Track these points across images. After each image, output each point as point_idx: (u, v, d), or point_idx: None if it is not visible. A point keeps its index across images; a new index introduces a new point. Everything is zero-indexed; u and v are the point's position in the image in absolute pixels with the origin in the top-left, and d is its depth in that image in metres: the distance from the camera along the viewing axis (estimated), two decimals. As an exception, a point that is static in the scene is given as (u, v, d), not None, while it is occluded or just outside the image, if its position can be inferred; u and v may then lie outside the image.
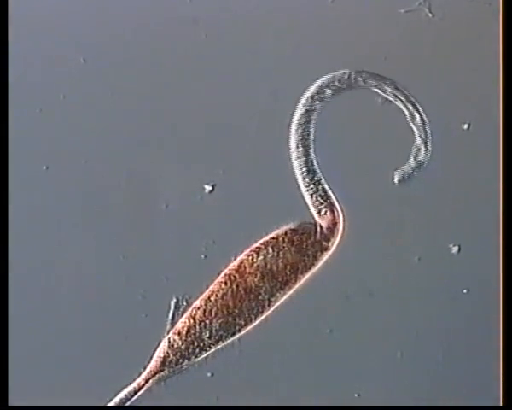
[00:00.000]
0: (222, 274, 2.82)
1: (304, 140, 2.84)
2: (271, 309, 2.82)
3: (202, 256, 2.83)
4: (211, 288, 2.81)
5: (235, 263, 2.82)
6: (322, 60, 2.85)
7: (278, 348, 2.82)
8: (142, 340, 2.80)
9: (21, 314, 2.79)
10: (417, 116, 2.81)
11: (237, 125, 2.85)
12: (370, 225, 2.82)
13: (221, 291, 2.81)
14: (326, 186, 2.84)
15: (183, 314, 2.81)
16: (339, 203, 2.85)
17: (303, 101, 2.84)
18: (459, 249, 2.83)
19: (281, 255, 2.81)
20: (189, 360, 2.81)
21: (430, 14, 2.84)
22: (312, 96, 2.84)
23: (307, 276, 2.83)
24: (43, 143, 2.84)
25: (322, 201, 2.84)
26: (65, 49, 2.84)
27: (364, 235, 2.83)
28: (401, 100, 2.82)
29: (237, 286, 2.80)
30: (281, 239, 2.82)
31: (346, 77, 2.83)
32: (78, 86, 2.83)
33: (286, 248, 2.81)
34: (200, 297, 2.82)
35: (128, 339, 2.80)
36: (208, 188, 2.84)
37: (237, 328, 2.81)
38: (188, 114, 2.83)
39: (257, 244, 2.83)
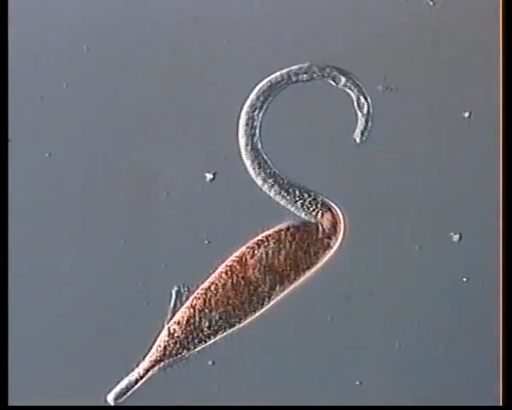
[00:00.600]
0: (223, 265, 2.82)
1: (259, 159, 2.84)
2: (271, 303, 2.82)
3: (206, 242, 2.83)
4: (211, 278, 2.81)
5: (237, 254, 2.82)
6: (322, 50, 2.85)
7: (279, 335, 2.83)
8: (143, 328, 2.80)
9: (21, 305, 2.79)
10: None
11: (238, 112, 2.84)
12: (370, 216, 2.83)
13: (221, 282, 2.81)
14: (309, 193, 2.84)
15: (183, 303, 2.81)
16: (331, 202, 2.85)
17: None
18: (460, 238, 2.83)
19: (282, 251, 2.81)
20: (188, 349, 2.80)
21: (431, 2, 2.84)
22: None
23: (308, 273, 2.83)
24: (44, 131, 2.83)
25: (313, 207, 2.84)
26: (68, 37, 2.84)
27: (365, 227, 2.83)
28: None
29: (237, 278, 2.80)
30: (283, 234, 2.82)
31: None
32: (80, 75, 2.83)
33: (288, 244, 2.81)
34: (201, 287, 2.81)
35: (128, 327, 2.80)
36: (209, 176, 2.84)
37: (237, 319, 2.80)
38: (189, 102, 2.82)
39: (259, 237, 2.83)
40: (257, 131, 2.84)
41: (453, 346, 2.82)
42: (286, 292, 2.82)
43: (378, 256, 2.82)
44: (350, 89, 2.83)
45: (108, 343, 2.81)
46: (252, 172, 2.83)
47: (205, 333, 2.80)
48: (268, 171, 2.83)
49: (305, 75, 2.82)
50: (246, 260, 2.81)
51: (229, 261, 2.82)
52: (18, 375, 2.76)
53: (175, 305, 2.81)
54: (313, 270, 2.83)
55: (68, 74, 2.82)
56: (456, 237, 2.83)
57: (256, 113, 2.83)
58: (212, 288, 2.80)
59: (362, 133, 2.83)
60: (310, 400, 2.80)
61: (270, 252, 2.80)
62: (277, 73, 2.83)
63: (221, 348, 2.82)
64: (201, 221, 2.83)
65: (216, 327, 2.79)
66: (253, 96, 2.83)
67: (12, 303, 2.76)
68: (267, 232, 2.83)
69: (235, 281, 2.80)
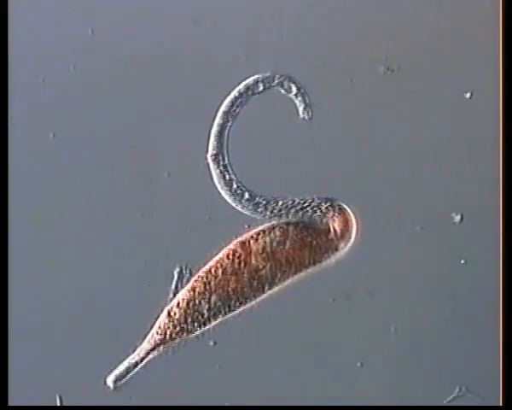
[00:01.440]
0: (225, 248, 2.81)
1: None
2: (272, 290, 2.81)
3: (206, 217, 2.83)
4: (213, 260, 2.81)
5: (241, 239, 2.81)
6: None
7: (280, 318, 2.83)
8: (145, 310, 2.80)
9: (21, 294, 2.79)
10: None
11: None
12: (373, 198, 2.84)
13: (223, 265, 2.81)
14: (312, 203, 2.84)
15: (184, 285, 2.81)
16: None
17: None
18: (461, 218, 2.83)
19: (288, 242, 2.80)
20: (188, 332, 2.80)
21: (432, -16, 2.85)
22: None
23: (311, 269, 2.83)
24: (48, 111, 2.83)
25: (326, 210, 2.84)
26: (73, 20, 2.83)
27: (368, 209, 2.83)
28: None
29: (240, 263, 2.80)
30: (291, 228, 2.82)
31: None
32: (85, 57, 2.82)
33: (294, 238, 2.81)
34: (202, 269, 2.81)
35: (131, 309, 2.80)
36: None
37: (237, 303, 2.80)
38: (191, 83, 2.82)
39: (266, 226, 2.82)
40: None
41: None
42: (286, 283, 2.82)
43: (379, 239, 2.83)
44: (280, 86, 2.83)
45: (109, 326, 2.80)
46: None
47: (205, 316, 2.79)
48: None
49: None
50: (249, 245, 2.81)
51: (231, 245, 2.81)
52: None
53: (176, 286, 2.80)
54: (317, 267, 2.83)
55: (72, 57, 2.82)
56: (457, 218, 2.84)
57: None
58: (213, 271, 2.80)
59: (305, 109, 2.81)
60: (310, 382, 2.81)
61: (274, 241, 2.80)
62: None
63: (222, 329, 2.82)
64: (203, 202, 2.82)
65: (216, 310, 2.79)
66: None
67: (12, 293, 2.76)
68: (274, 222, 2.82)
69: (236, 265, 2.80)
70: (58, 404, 2.78)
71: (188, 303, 2.80)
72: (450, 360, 2.82)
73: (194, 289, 2.80)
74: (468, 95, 2.83)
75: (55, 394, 2.80)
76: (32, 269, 2.80)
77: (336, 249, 2.82)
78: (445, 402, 2.81)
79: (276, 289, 2.81)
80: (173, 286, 2.80)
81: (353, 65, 2.83)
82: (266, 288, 2.81)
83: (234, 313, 2.80)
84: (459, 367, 2.83)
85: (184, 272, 2.81)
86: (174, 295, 2.80)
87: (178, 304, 2.80)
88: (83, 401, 2.78)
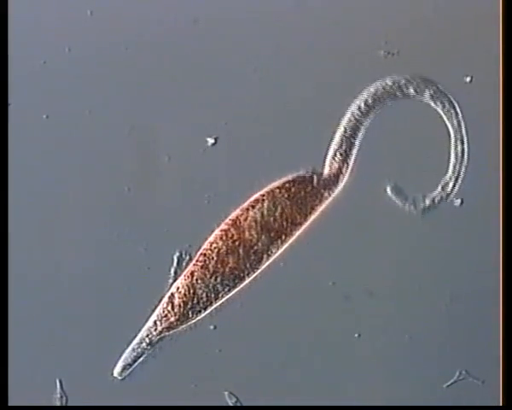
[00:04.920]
0: (218, 229, 2.81)
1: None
2: (270, 261, 2.81)
3: (206, 202, 2.83)
4: (207, 243, 2.80)
5: (232, 217, 2.81)
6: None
7: (280, 297, 2.83)
8: (145, 293, 2.80)
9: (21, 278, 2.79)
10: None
11: (240, 77, 2.85)
12: (373, 175, 2.84)
13: (218, 247, 2.80)
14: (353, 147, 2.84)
15: (183, 270, 2.81)
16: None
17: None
18: (461, 202, 2.83)
19: (278, 208, 2.80)
20: (190, 318, 2.80)
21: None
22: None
23: (305, 226, 2.82)
24: (47, 94, 2.82)
25: (342, 150, 2.83)
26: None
27: (367, 186, 2.83)
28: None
29: (234, 241, 2.79)
30: (277, 191, 2.81)
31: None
32: (83, 39, 2.82)
33: (282, 200, 2.80)
34: (199, 252, 2.80)
35: (131, 293, 2.80)
36: (211, 141, 2.84)
37: (237, 280, 2.80)
38: (191, 66, 2.82)
39: (253, 198, 2.82)
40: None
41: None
42: (284, 248, 2.82)
43: (379, 221, 2.83)
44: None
45: (110, 312, 2.80)
46: None
47: (205, 301, 2.79)
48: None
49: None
50: (240, 222, 2.80)
51: (223, 225, 2.81)
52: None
53: (176, 271, 2.80)
54: (309, 222, 2.82)
55: (71, 38, 2.82)
56: (457, 202, 2.84)
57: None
58: (208, 254, 2.79)
59: None
60: (311, 357, 2.81)
61: (264, 211, 2.79)
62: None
63: (223, 312, 2.82)
64: (203, 186, 2.83)
65: (216, 293, 2.78)
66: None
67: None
68: (260, 192, 2.82)
69: (230, 245, 2.79)
70: (58, 389, 2.77)
71: (188, 289, 2.79)
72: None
73: (192, 275, 2.80)
74: (468, 79, 2.83)
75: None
76: (31, 258, 2.80)
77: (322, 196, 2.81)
78: (445, 386, 2.80)
79: (274, 256, 2.81)
80: (173, 270, 2.80)
81: (353, 50, 2.83)
82: (264, 259, 2.80)
83: (236, 290, 2.80)
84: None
85: (184, 256, 2.80)
86: (174, 280, 2.80)
87: (178, 290, 2.80)
88: (84, 396, 2.79)
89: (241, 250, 2.79)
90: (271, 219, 2.79)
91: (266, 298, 2.81)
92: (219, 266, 2.79)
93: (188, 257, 2.80)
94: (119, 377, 2.79)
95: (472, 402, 2.77)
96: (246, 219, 2.80)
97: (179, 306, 2.79)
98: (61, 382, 2.78)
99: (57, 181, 2.83)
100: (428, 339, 2.82)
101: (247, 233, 2.79)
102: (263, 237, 2.79)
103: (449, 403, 2.79)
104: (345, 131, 2.82)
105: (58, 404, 2.78)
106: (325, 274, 2.83)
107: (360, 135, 2.83)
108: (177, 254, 2.80)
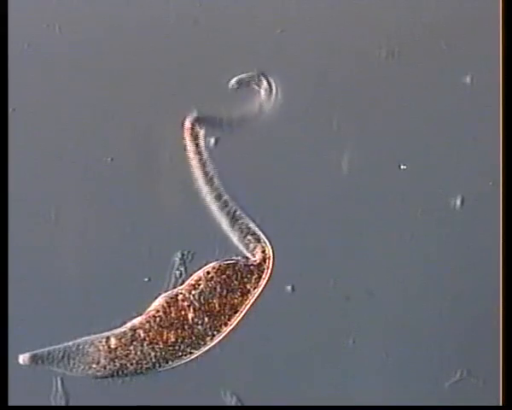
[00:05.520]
0: (160, 302, 2.77)
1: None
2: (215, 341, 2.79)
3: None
4: (149, 312, 2.77)
5: (173, 293, 2.78)
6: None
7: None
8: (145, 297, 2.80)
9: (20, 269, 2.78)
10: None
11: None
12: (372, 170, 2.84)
13: (158, 321, 2.76)
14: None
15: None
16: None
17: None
18: (462, 202, 2.84)
19: (215, 293, 2.77)
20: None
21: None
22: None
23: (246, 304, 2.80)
24: (47, 94, 2.82)
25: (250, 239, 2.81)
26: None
27: (367, 189, 2.84)
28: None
29: (172, 320, 2.76)
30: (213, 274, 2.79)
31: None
32: (77, 25, 2.81)
33: (218, 286, 2.78)
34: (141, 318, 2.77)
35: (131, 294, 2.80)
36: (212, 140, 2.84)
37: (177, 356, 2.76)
38: (191, 66, 2.82)
39: (191, 281, 2.78)
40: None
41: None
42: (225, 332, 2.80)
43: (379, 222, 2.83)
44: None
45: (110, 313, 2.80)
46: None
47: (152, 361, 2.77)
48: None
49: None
50: (182, 300, 2.77)
51: (166, 298, 2.77)
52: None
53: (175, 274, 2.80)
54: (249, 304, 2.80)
55: (63, 22, 2.80)
56: (457, 203, 2.85)
57: None
58: (149, 325, 2.76)
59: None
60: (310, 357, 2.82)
61: (204, 294, 2.76)
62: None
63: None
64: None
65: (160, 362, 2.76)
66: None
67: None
68: (197, 275, 2.78)
69: (172, 321, 2.76)
70: (59, 387, 2.78)
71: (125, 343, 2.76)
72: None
73: (137, 337, 2.76)
74: (468, 79, 2.84)
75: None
76: (31, 258, 2.80)
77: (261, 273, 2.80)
78: (447, 385, 2.81)
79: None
80: (174, 272, 2.79)
81: (355, 50, 2.83)
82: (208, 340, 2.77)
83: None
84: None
85: (185, 257, 2.80)
86: (175, 281, 2.79)
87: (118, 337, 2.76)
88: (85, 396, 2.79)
89: (181, 330, 2.75)
90: (211, 304, 2.76)
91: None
92: (158, 339, 2.76)
93: (190, 258, 2.79)
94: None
95: (472, 402, 2.77)
96: (184, 300, 2.76)
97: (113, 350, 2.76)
98: (62, 381, 2.78)
99: (55, 182, 2.82)
100: (428, 339, 2.82)
101: (187, 313, 2.75)
102: (204, 320, 2.75)
103: (449, 403, 2.79)
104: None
105: (58, 404, 2.78)
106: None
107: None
108: (179, 255, 2.80)
